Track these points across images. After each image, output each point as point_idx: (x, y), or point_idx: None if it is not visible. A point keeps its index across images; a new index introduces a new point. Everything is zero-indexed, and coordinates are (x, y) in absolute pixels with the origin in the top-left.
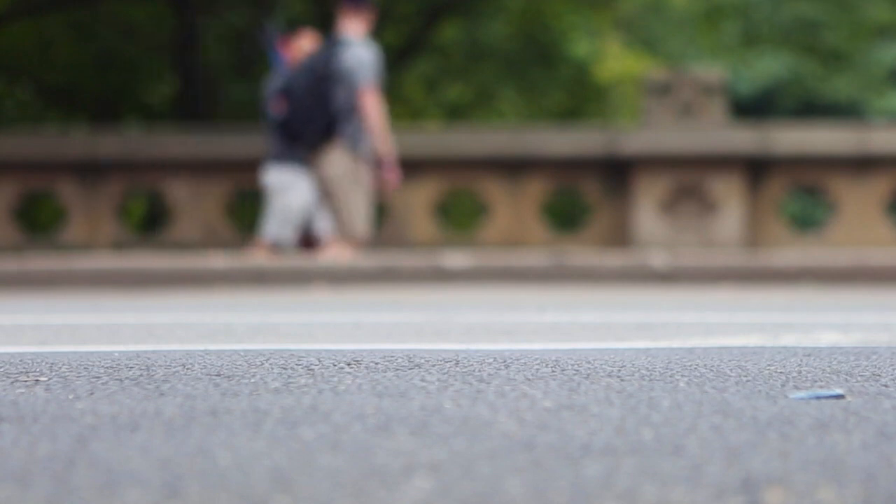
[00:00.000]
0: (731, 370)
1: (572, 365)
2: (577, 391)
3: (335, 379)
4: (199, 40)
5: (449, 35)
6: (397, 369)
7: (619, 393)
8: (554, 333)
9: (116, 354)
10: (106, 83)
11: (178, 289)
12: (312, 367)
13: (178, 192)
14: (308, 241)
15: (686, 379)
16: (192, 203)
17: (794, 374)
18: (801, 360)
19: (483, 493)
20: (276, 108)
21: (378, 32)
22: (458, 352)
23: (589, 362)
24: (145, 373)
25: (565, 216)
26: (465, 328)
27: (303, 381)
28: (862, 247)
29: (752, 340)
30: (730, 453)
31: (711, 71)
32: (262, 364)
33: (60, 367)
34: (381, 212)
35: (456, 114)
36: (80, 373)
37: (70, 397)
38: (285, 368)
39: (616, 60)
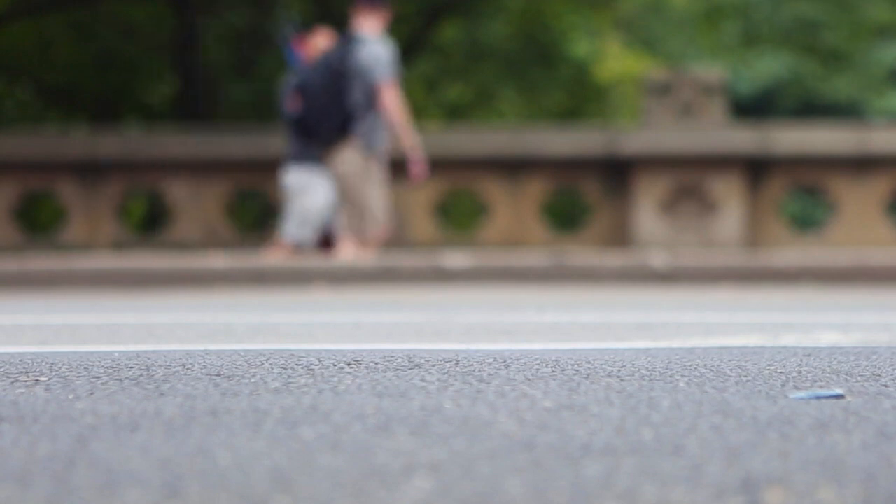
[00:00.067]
0: (731, 370)
1: (572, 365)
2: (577, 391)
3: (335, 379)
4: (199, 40)
5: (449, 35)
6: (397, 369)
7: (619, 393)
8: (554, 333)
9: (116, 354)
10: (106, 83)
11: (178, 289)
12: (312, 367)
13: (178, 192)
14: (327, 241)
15: (686, 379)
16: (192, 203)
17: (794, 374)
18: (801, 360)
19: (483, 493)
20: (291, 105)
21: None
22: (458, 352)
23: (589, 362)
24: (145, 373)
25: (565, 216)
26: (465, 328)
27: (303, 381)
28: (862, 247)
29: (752, 340)
30: (730, 453)
31: (711, 71)
32: (262, 364)
33: (60, 367)
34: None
35: (456, 114)
36: (80, 373)
37: (70, 397)
38: (285, 368)
39: (616, 60)
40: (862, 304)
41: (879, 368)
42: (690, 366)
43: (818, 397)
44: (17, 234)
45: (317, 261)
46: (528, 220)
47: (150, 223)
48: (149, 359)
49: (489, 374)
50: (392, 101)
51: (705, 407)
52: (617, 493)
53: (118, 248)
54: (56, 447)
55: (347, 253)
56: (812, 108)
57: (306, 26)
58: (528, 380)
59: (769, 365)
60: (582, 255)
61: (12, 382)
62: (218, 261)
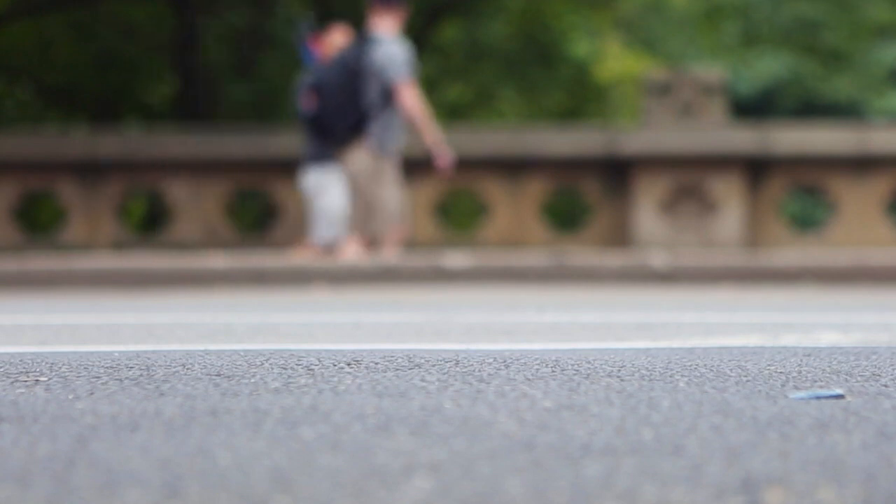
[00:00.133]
0: (731, 370)
1: (572, 365)
2: (577, 391)
3: (335, 379)
4: (199, 40)
5: (449, 35)
6: (397, 369)
7: (619, 393)
8: (554, 333)
9: (116, 354)
10: (106, 83)
11: (178, 289)
12: (312, 367)
13: (178, 192)
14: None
15: (686, 379)
16: (192, 203)
17: (794, 374)
18: (801, 360)
19: (483, 493)
20: (306, 104)
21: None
22: (458, 352)
23: (589, 362)
24: (145, 373)
25: (565, 216)
26: (465, 328)
27: (303, 381)
28: (862, 247)
29: (752, 340)
30: (730, 453)
31: (711, 71)
32: (262, 364)
33: (60, 367)
34: None
35: (456, 114)
36: (80, 373)
37: (70, 397)
38: (285, 368)
39: (616, 60)
40: (862, 304)
41: (879, 368)
42: (690, 366)
43: (818, 397)
44: (17, 234)
45: (317, 261)
46: (528, 220)
47: (150, 223)
48: (149, 359)
49: (489, 374)
50: (411, 100)
51: (705, 407)
52: (617, 493)
53: (118, 248)
54: (56, 447)
55: (351, 253)
56: (812, 108)
57: (321, 25)
58: (528, 380)
59: (769, 365)
60: (582, 255)
61: (12, 382)
62: (218, 261)
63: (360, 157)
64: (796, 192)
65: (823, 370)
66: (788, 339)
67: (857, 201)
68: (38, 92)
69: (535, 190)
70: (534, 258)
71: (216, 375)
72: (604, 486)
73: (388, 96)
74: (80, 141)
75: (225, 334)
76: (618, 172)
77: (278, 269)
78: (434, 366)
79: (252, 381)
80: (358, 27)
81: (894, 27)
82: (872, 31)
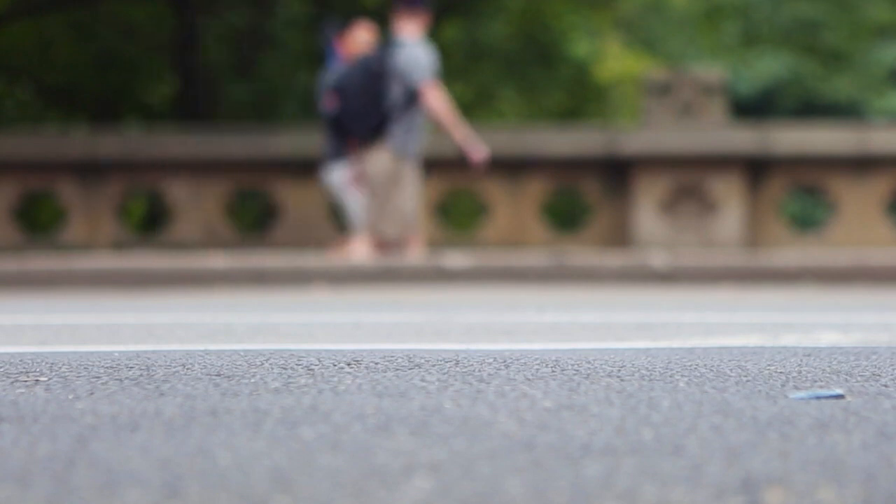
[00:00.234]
0: (731, 370)
1: (572, 365)
2: (577, 391)
3: (335, 379)
4: (199, 40)
5: (449, 35)
6: (397, 369)
7: (619, 393)
8: (554, 333)
9: (116, 354)
10: (106, 83)
11: (178, 289)
12: (312, 367)
13: (178, 192)
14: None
15: (686, 379)
16: (192, 203)
17: (794, 374)
18: (801, 360)
19: (483, 493)
20: (328, 104)
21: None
22: (458, 352)
23: (589, 362)
24: (145, 373)
25: (565, 216)
26: (465, 328)
27: (303, 381)
28: (862, 247)
29: (752, 340)
30: (730, 453)
31: (711, 71)
32: (262, 364)
33: (60, 367)
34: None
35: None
36: (80, 373)
37: (70, 397)
38: (285, 368)
39: (616, 60)
40: (862, 304)
41: (879, 368)
42: (690, 366)
43: (818, 397)
44: (17, 234)
45: (317, 261)
46: (528, 220)
47: (150, 223)
48: (149, 359)
49: (489, 374)
50: (436, 101)
51: (705, 407)
52: (617, 493)
53: (118, 248)
54: (56, 447)
55: (359, 252)
56: (812, 108)
57: (346, 23)
58: (528, 380)
59: (769, 365)
60: (582, 255)
61: (12, 382)
62: (218, 261)
63: (380, 158)
64: (796, 192)
65: (823, 370)
66: (788, 339)
67: (857, 201)
68: (38, 92)
69: (535, 190)
70: (534, 258)
71: (216, 375)
72: (604, 486)
73: (410, 99)
74: (80, 141)
75: (225, 334)
76: (618, 172)
77: (278, 269)
78: (434, 366)
79: (252, 381)
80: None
81: (894, 27)
82: (872, 31)
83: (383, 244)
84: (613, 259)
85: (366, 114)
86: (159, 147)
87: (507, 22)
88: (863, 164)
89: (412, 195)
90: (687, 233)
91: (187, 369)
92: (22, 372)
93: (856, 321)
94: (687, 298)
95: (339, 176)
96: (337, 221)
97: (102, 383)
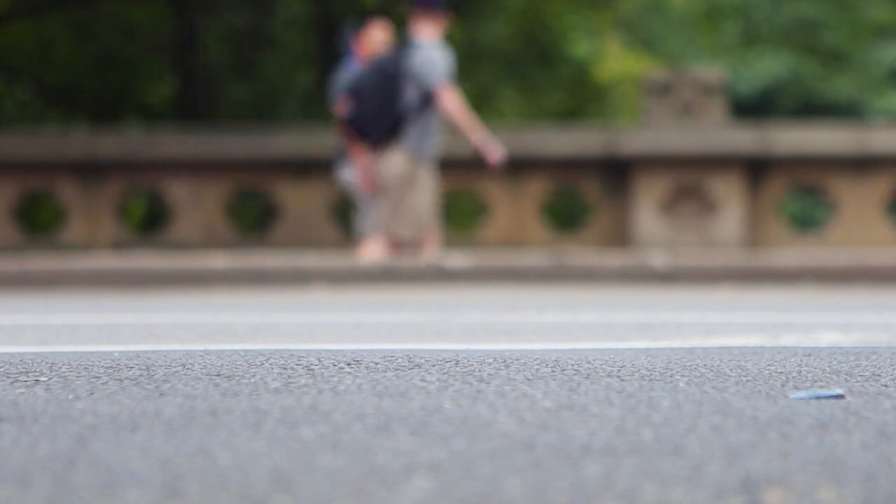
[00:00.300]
0: (731, 370)
1: (572, 365)
2: (577, 391)
3: (335, 379)
4: (199, 40)
5: (449, 35)
6: (397, 369)
7: (619, 393)
8: (554, 333)
9: (116, 354)
10: (106, 83)
11: (178, 289)
12: (312, 367)
13: (178, 192)
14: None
15: (686, 379)
16: (192, 203)
17: (794, 374)
18: (801, 360)
19: (483, 493)
20: (343, 106)
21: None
22: (458, 352)
23: (589, 362)
24: (145, 373)
25: (565, 216)
26: (465, 328)
27: (303, 381)
28: (862, 247)
29: (752, 340)
30: (730, 453)
31: (711, 71)
32: (262, 364)
33: (60, 367)
34: None
35: None
36: (80, 373)
37: (70, 397)
38: (285, 368)
39: (616, 60)
40: (862, 304)
41: (879, 368)
42: (690, 366)
43: (818, 397)
44: (17, 234)
45: (317, 261)
46: (528, 220)
47: (150, 223)
48: (149, 359)
49: (489, 374)
50: (452, 103)
51: (705, 407)
52: (617, 493)
53: (118, 248)
54: (56, 447)
55: (372, 252)
56: (812, 108)
57: (362, 24)
58: (528, 380)
59: (769, 365)
60: (582, 255)
61: (12, 382)
62: (218, 261)
63: (395, 159)
64: (796, 192)
65: (823, 370)
66: (788, 339)
67: (857, 201)
68: (38, 92)
69: (535, 190)
70: (534, 258)
71: (216, 375)
72: (604, 486)
73: (425, 101)
74: (80, 141)
75: (225, 334)
76: (618, 172)
77: (278, 269)
78: (434, 366)
79: (252, 381)
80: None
81: (894, 27)
82: (872, 31)
83: (397, 245)
84: (613, 259)
85: (381, 115)
86: (159, 147)
87: (507, 22)
88: (863, 164)
89: (427, 196)
90: (687, 233)
91: (187, 369)
92: (22, 372)
93: (856, 321)
94: (687, 298)
95: (350, 174)
96: (337, 221)
97: (102, 383)
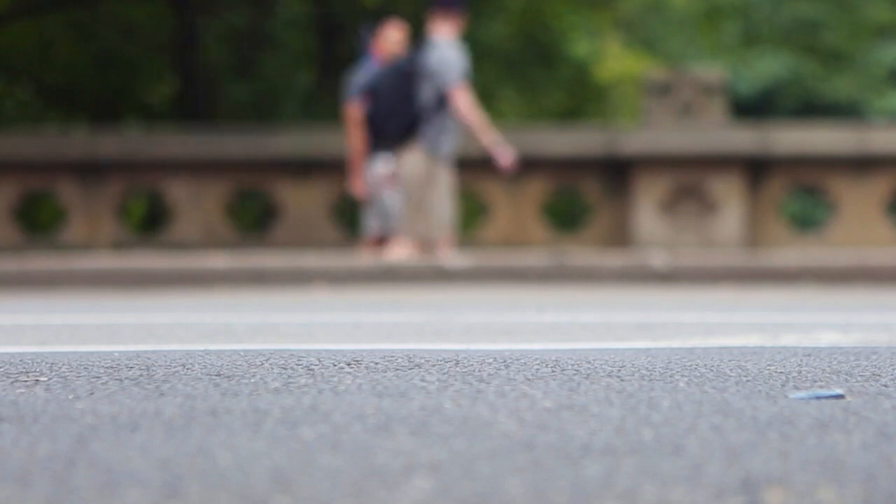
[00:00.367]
0: (731, 370)
1: (572, 365)
2: (577, 391)
3: (335, 379)
4: (199, 40)
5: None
6: (397, 369)
7: (619, 393)
8: (554, 333)
9: (116, 354)
10: (106, 83)
11: (178, 289)
12: (312, 367)
13: (178, 192)
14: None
15: (686, 379)
16: (192, 203)
17: (794, 374)
18: (801, 360)
19: (483, 493)
20: (357, 107)
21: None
22: (458, 352)
23: (589, 362)
24: (145, 373)
25: (565, 216)
26: (465, 328)
27: (303, 381)
28: (862, 247)
29: (752, 340)
30: (730, 453)
31: (711, 71)
32: (262, 364)
33: (60, 367)
34: None
35: None
36: (80, 373)
37: (70, 397)
38: (285, 368)
39: (616, 60)
40: (862, 304)
41: (879, 368)
42: (690, 366)
43: (818, 397)
44: (17, 234)
45: (317, 260)
46: (528, 220)
47: (150, 223)
48: (149, 359)
49: (489, 374)
50: (464, 103)
51: (705, 407)
52: (617, 493)
53: (118, 248)
54: (56, 447)
55: (399, 253)
56: (812, 108)
57: (378, 25)
58: (528, 380)
59: (769, 365)
60: (582, 255)
61: (12, 382)
62: (218, 261)
63: (413, 159)
64: (796, 192)
65: (823, 370)
66: (788, 339)
67: (857, 201)
68: (38, 92)
69: (535, 190)
70: (534, 258)
71: (216, 375)
72: (604, 486)
73: (442, 100)
74: (80, 141)
75: (225, 334)
76: (618, 172)
77: (278, 269)
78: (434, 366)
79: (252, 381)
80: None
81: (894, 27)
82: (872, 31)
83: (424, 245)
84: (613, 259)
85: (398, 114)
86: (159, 147)
87: (507, 22)
88: (863, 164)
89: (446, 196)
90: (687, 233)
91: (187, 369)
92: (22, 372)
93: (856, 321)
94: (687, 298)
95: (370, 175)
96: (337, 221)
97: (102, 383)
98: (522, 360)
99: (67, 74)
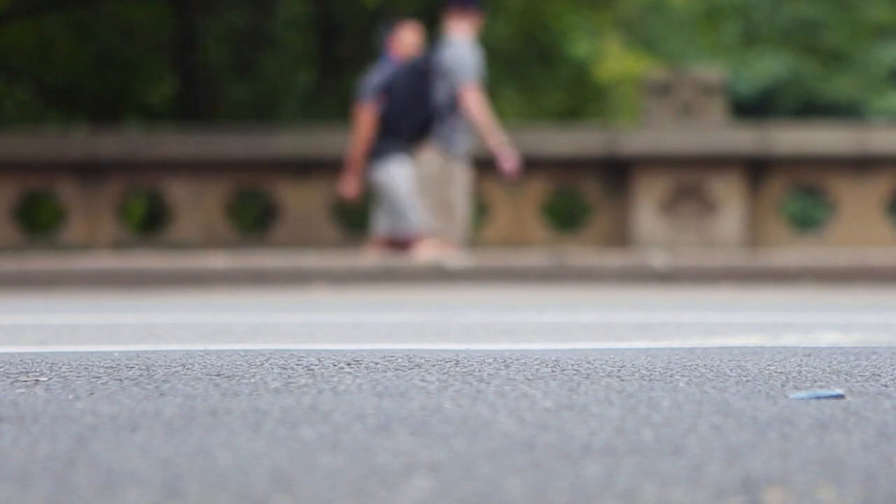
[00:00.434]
0: (731, 370)
1: (572, 365)
2: (577, 391)
3: (335, 379)
4: (199, 40)
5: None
6: (397, 369)
7: (619, 393)
8: (554, 333)
9: (116, 354)
10: (106, 83)
11: (178, 289)
12: (312, 367)
13: (178, 192)
14: (392, 241)
15: (686, 379)
16: (192, 203)
17: (794, 374)
18: (801, 360)
19: (483, 493)
20: (370, 108)
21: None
22: (458, 352)
23: (589, 362)
24: (145, 373)
25: (565, 216)
26: (465, 328)
27: (303, 381)
28: (862, 247)
29: (752, 340)
30: (730, 453)
31: (711, 71)
32: (262, 364)
33: (60, 367)
34: None
35: None
36: (80, 373)
37: (70, 397)
38: (285, 368)
39: (616, 60)
40: (862, 304)
41: (879, 368)
42: (690, 366)
43: (818, 397)
44: (17, 234)
45: (317, 260)
46: (528, 220)
47: (150, 223)
48: (149, 359)
49: (489, 374)
50: (474, 103)
51: (705, 407)
52: (617, 493)
53: (118, 248)
54: (56, 447)
55: (428, 252)
56: (812, 108)
57: (397, 26)
58: (528, 380)
59: (769, 365)
60: (582, 255)
61: (12, 382)
62: (218, 261)
63: (429, 158)
64: (796, 192)
65: (823, 370)
66: (788, 339)
67: (857, 201)
68: (38, 92)
69: (535, 190)
70: (534, 258)
71: (216, 375)
72: (604, 486)
73: (456, 99)
74: (80, 141)
75: (225, 334)
76: (618, 172)
77: (278, 269)
78: (434, 366)
79: (252, 381)
80: (358, 27)
81: (894, 27)
82: (872, 31)
83: (447, 243)
84: (613, 259)
85: (412, 113)
86: (159, 147)
87: (507, 22)
88: (863, 164)
89: (464, 192)
90: (687, 233)
91: (187, 369)
92: (22, 372)
93: (856, 321)
94: (687, 298)
95: (384, 175)
96: (337, 221)
97: (102, 383)
98: (522, 360)
99: (67, 74)
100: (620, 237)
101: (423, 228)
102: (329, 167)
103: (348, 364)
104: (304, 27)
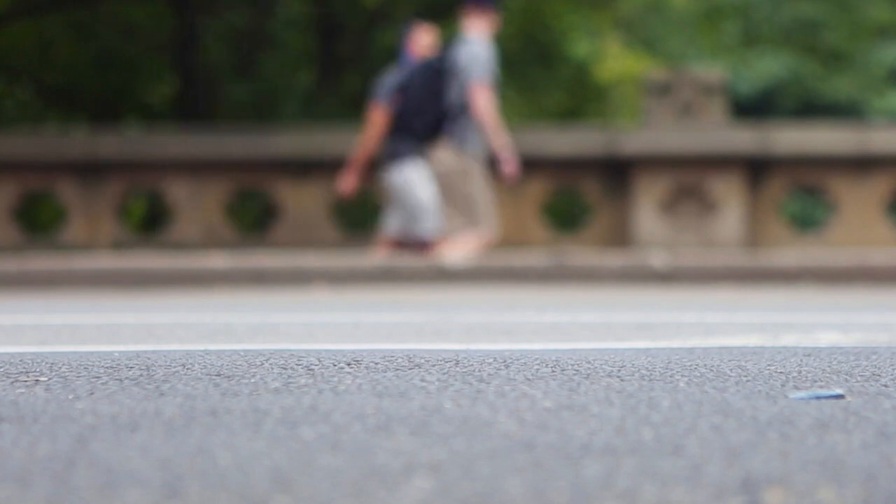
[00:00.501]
0: (731, 370)
1: (572, 365)
2: (577, 391)
3: (335, 379)
4: (199, 40)
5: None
6: (397, 369)
7: (619, 393)
8: (554, 333)
9: (116, 354)
10: (106, 83)
11: (178, 289)
12: (312, 367)
13: (178, 192)
14: (401, 242)
15: (686, 379)
16: (192, 203)
17: (794, 374)
18: (801, 360)
19: (483, 493)
20: (384, 108)
21: (377, 33)
22: (458, 352)
23: (589, 362)
24: (145, 373)
25: (565, 216)
26: (465, 328)
27: (303, 381)
28: (862, 247)
29: (752, 340)
30: (730, 453)
31: (711, 71)
32: (262, 364)
33: (60, 367)
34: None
35: None
36: (80, 373)
37: (70, 397)
38: (285, 368)
39: (616, 60)
40: (862, 304)
41: (879, 368)
42: (690, 366)
43: (818, 397)
44: (17, 234)
45: (317, 260)
46: (528, 220)
47: (150, 223)
48: (149, 359)
49: (489, 374)
50: (481, 102)
51: (705, 407)
52: (617, 493)
53: (118, 248)
54: (56, 447)
55: (459, 251)
56: (812, 108)
57: (414, 26)
58: (528, 380)
59: (769, 365)
60: (582, 255)
61: (12, 382)
62: (218, 261)
63: (444, 157)
64: (796, 192)
65: (823, 370)
66: (788, 339)
67: (857, 201)
68: (38, 92)
69: (535, 190)
70: (534, 258)
71: (216, 375)
72: (604, 486)
73: (467, 96)
74: (80, 141)
75: (225, 334)
76: (618, 172)
77: (278, 269)
78: (434, 366)
79: (252, 381)
80: (358, 27)
81: (894, 27)
82: (872, 31)
83: (480, 238)
84: (613, 259)
85: (425, 112)
86: (159, 147)
87: (507, 22)
88: (863, 164)
89: (483, 189)
90: (687, 233)
91: (187, 369)
92: (22, 372)
93: (856, 321)
94: (687, 298)
95: (399, 176)
96: (337, 221)
97: (102, 383)
98: (522, 360)
99: (67, 74)
100: (620, 237)
101: (438, 232)
102: (329, 167)
103: (348, 364)
104: (304, 27)
